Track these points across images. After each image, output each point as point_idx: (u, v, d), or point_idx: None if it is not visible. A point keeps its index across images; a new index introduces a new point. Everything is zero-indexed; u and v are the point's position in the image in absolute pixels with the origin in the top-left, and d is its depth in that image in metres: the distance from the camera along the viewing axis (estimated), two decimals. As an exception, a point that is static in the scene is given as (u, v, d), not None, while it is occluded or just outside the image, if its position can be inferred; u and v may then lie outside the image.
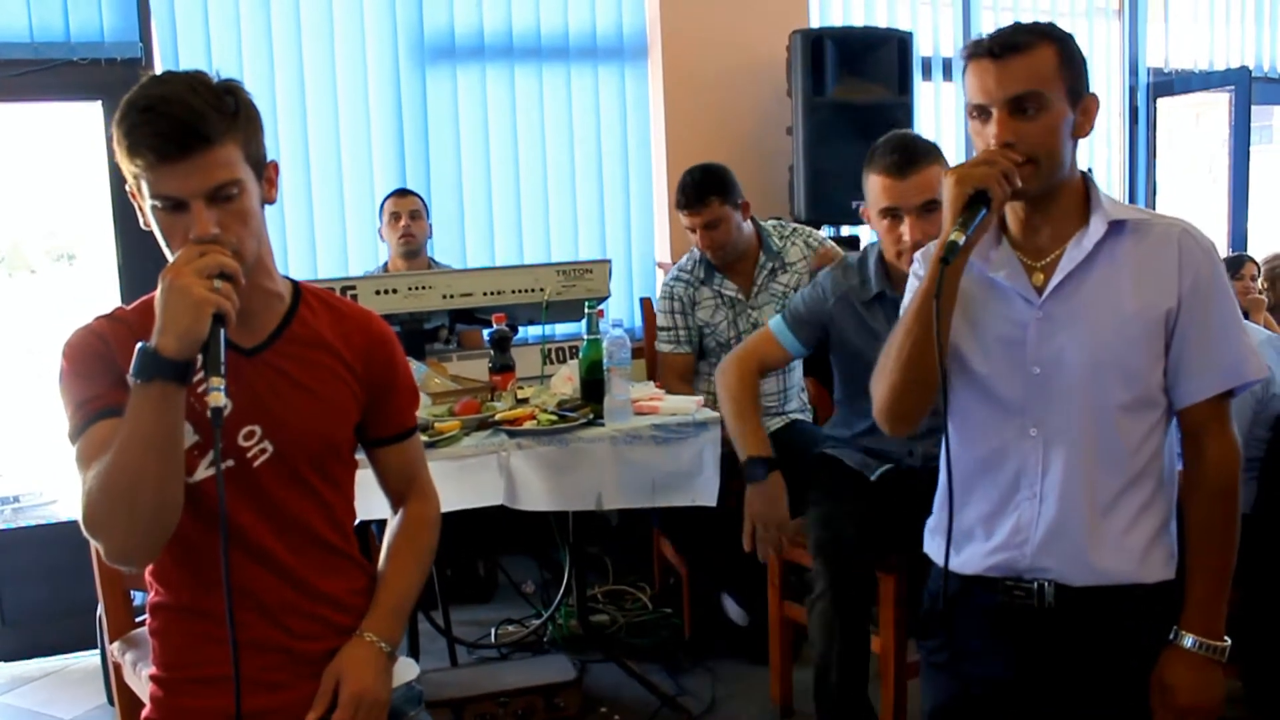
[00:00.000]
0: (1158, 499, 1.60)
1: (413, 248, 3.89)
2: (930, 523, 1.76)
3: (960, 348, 1.64)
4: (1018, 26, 1.56)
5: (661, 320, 3.59)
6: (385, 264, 3.99)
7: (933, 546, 1.73)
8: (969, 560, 1.65)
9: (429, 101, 4.12)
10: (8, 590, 3.75)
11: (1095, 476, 1.57)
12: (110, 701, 3.21)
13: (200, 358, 1.36)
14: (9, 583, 3.75)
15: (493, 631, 3.60)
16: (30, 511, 5.30)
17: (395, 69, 4.07)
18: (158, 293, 1.38)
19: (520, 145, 4.25)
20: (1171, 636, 1.58)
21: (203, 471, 1.48)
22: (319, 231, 4.02)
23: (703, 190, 3.38)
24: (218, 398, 1.35)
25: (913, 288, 1.74)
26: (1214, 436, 1.58)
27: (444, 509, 2.55)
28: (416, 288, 3.20)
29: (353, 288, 3.14)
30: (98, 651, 3.38)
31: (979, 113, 1.55)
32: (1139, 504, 1.58)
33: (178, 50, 3.73)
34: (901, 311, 1.66)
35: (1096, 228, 1.56)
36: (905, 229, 2.20)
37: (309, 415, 1.55)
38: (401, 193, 3.95)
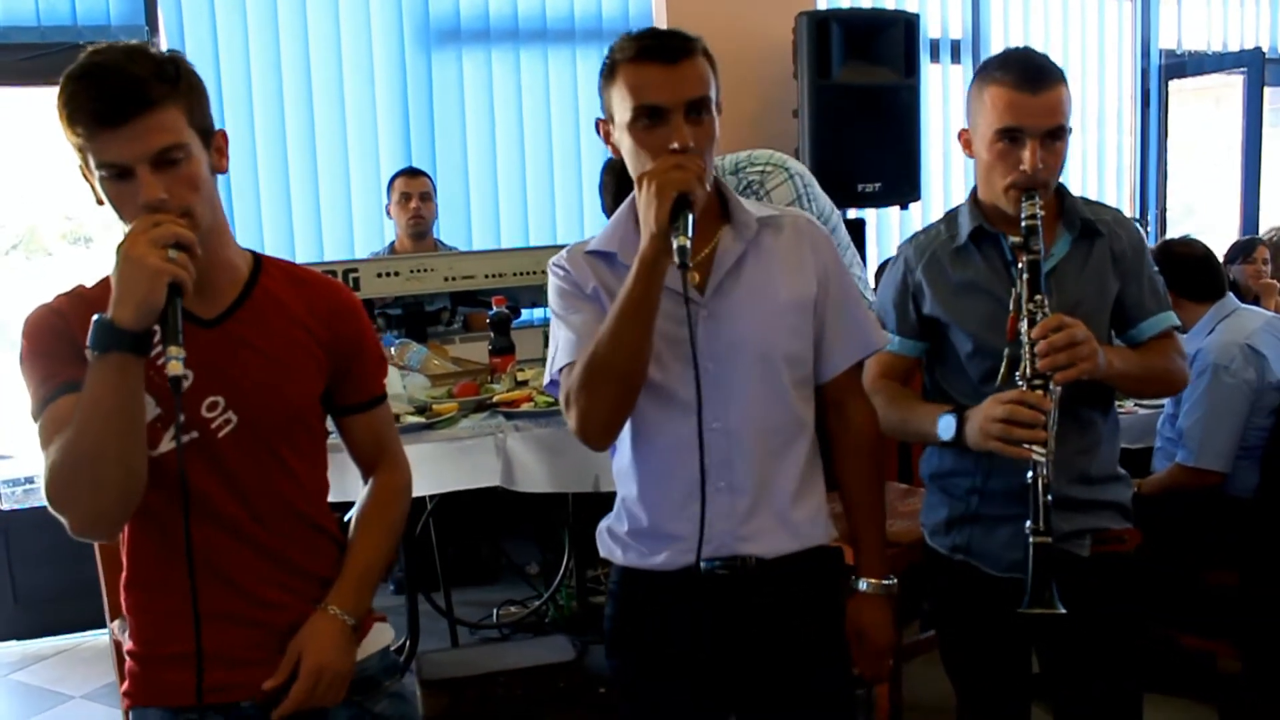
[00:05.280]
0: (818, 465, 1.71)
1: (421, 229, 3.89)
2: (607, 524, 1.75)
3: None
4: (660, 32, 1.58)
5: None
6: (391, 244, 4.01)
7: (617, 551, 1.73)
8: (672, 558, 1.63)
9: (434, 85, 4.14)
10: (19, 570, 3.81)
11: (781, 456, 1.64)
12: (122, 679, 3.26)
13: (158, 328, 1.36)
14: (20, 563, 3.80)
15: (494, 612, 3.62)
16: (41, 493, 5.36)
17: (401, 53, 4.09)
18: (113, 265, 1.37)
19: (525, 128, 4.26)
20: (859, 586, 1.72)
21: (166, 444, 1.47)
22: (324, 214, 4.04)
23: None
24: (176, 367, 1.33)
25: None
26: (859, 402, 1.74)
27: (441, 490, 2.61)
28: (418, 270, 3.22)
29: (355, 270, 3.15)
30: (108, 631, 3.42)
31: (651, 114, 1.53)
32: (815, 473, 1.69)
33: (184, 34, 3.76)
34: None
35: (747, 223, 1.63)
36: (1027, 154, 1.84)
37: (272, 383, 1.53)
38: (412, 172, 3.95)
